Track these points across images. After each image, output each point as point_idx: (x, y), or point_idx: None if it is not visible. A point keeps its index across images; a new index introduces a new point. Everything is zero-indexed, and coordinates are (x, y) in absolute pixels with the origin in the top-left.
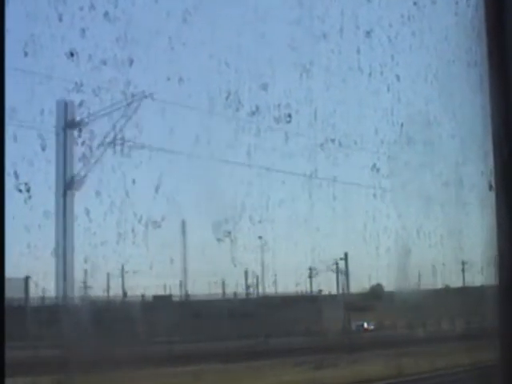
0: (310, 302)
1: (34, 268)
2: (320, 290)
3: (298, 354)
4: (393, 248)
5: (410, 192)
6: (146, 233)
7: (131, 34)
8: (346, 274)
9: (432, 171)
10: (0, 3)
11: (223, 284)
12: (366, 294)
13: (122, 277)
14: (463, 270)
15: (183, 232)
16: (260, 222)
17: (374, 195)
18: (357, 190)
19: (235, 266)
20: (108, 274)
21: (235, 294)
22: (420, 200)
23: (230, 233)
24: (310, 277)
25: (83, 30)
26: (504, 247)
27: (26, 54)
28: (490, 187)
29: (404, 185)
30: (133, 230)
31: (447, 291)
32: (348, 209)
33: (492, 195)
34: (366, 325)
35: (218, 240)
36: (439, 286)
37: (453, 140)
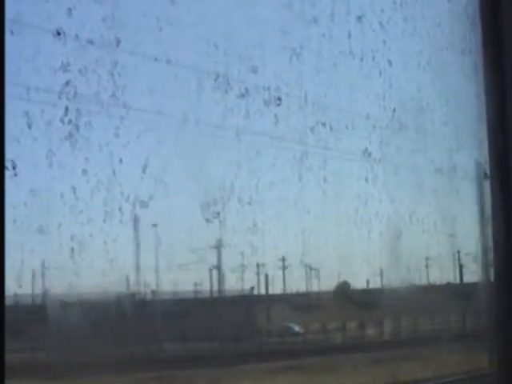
0: (260, 300)
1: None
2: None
3: (178, 364)
4: (384, 234)
5: (402, 177)
6: (134, 212)
7: (118, 14)
8: (314, 269)
9: (425, 157)
10: (0, 3)
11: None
12: (333, 291)
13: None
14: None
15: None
16: (249, 203)
17: (366, 179)
18: (348, 173)
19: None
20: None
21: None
22: (412, 185)
23: (218, 214)
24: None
25: (70, 10)
26: (498, 237)
27: (12, 33)
28: (485, 175)
29: (396, 169)
30: (120, 209)
31: (428, 288)
32: (339, 192)
33: (486, 183)
34: (296, 328)
35: (207, 221)
36: (424, 280)
37: (446, 127)
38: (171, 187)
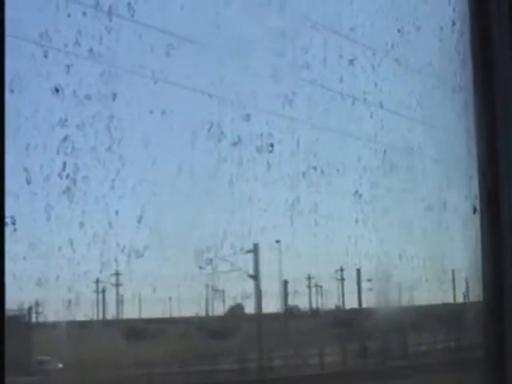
0: None
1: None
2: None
3: None
4: (373, 273)
5: (392, 217)
6: (129, 262)
7: (115, 69)
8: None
9: (415, 196)
10: (0, 3)
11: None
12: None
13: (104, 305)
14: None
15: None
16: (242, 249)
17: (356, 220)
18: (338, 215)
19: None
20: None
21: None
22: (402, 225)
23: (211, 260)
24: None
25: (68, 66)
26: (488, 271)
27: (12, 91)
28: (474, 210)
29: (386, 210)
30: (115, 260)
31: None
32: (329, 235)
33: (476, 219)
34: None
35: (200, 268)
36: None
37: (436, 165)
38: (166, 237)
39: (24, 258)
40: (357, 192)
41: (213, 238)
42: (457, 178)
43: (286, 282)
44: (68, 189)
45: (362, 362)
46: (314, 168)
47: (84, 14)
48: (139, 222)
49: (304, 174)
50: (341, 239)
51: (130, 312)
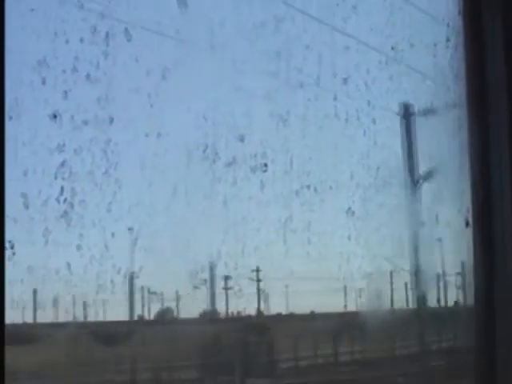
0: None
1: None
2: None
3: None
4: (365, 289)
5: (384, 233)
6: (125, 283)
7: (112, 93)
8: None
9: (407, 212)
10: (0, 3)
11: None
12: None
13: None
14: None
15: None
16: (235, 268)
17: (349, 237)
18: (331, 233)
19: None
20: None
21: None
22: (395, 241)
23: (205, 281)
24: None
25: (66, 92)
26: (480, 285)
27: (10, 118)
28: (467, 224)
29: (379, 226)
30: (112, 281)
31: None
32: (322, 252)
33: (468, 232)
34: None
35: (194, 287)
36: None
37: (429, 179)
38: (161, 257)
39: (21, 281)
40: (349, 209)
41: (207, 257)
42: (449, 193)
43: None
44: (65, 213)
45: None
46: (308, 186)
47: (81, 40)
48: (135, 243)
49: (297, 193)
50: (333, 256)
51: None
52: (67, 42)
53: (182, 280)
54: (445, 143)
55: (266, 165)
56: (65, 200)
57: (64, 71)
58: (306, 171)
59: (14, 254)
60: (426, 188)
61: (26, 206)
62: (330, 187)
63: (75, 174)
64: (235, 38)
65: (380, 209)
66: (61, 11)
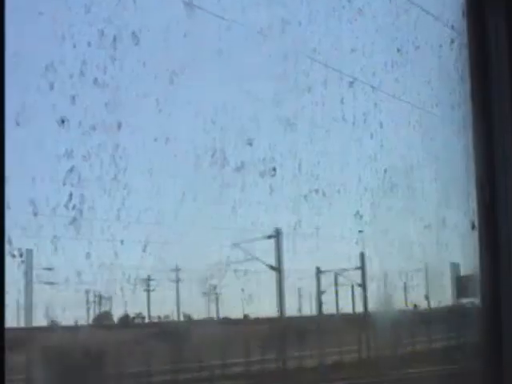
0: None
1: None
2: None
3: None
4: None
5: (392, 236)
6: (134, 291)
7: (120, 98)
8: None
9: (414, 214)
10: (0, 4)
11: None
12: None
13: None
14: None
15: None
16: (245, 274)
17: (357, 241)
18: (340, 236)
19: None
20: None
21: None
22: (402, 243)
23: (215, 287)
24: None
25: (73, 97)
26: (486, 288)
27: (17, 124)
28: (473, 226)
29: (387, 229)
30: (121, 289)
31: None
32: (330, 256)
33: (474, 235)
34: None
35: (204, 294)
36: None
37: (435, 183)
38: (170, 265)
39: (31, 288)
40: (357, 212)
41: (216, 264)
42: (455, 195)
43: None
44: (74, 219)
45: None
46: (316, 190)
47: (89, 44)
48: (144, 250)
49: (306, 197)
50: (342, 259)
51: None
52: (75, 46)
53: (191, 286)
54: (450, 145)
55: (274, 169)
56: (73, 206)
57: (71, 76)
58: (315, 175)
59: (22, 261)
60: (432, 190)
61: (35, 213)
62: (338, 191)
63: (84, 180)
64: (242, 41)
65: (388, 212)
66: (68, 15)
